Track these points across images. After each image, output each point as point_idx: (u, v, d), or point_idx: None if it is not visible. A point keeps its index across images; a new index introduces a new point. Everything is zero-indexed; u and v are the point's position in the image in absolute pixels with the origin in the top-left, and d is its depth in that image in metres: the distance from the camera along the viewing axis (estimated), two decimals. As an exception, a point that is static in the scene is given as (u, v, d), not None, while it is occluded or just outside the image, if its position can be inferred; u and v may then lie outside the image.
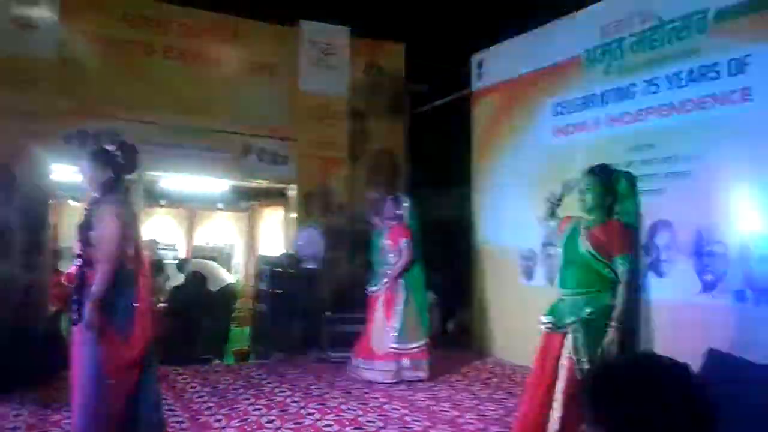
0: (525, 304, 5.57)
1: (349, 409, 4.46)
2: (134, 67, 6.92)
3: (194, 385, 5.07)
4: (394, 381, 5.25)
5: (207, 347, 6.79)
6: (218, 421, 4.10)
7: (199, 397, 4.72)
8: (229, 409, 4.36)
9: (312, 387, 5.08)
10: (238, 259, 11.19)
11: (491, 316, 6.62)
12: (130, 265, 3.32)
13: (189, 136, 7.07)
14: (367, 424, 4.12)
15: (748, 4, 4.27)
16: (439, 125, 8.47)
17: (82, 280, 3.25)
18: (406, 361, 5.34)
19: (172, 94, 7.01)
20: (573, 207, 3.61)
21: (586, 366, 3.19)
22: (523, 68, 6.36)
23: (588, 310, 3.25)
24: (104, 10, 6.87)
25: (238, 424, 4.03)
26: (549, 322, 3.39)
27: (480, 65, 7.11)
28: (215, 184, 8.58)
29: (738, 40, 4.28)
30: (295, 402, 4.60)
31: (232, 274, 9.38)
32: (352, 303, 6.19)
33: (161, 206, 10.50)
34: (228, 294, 7.94)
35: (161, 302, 7.28)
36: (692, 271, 4.43)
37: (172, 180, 8.29)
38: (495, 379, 5.53)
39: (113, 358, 3.19)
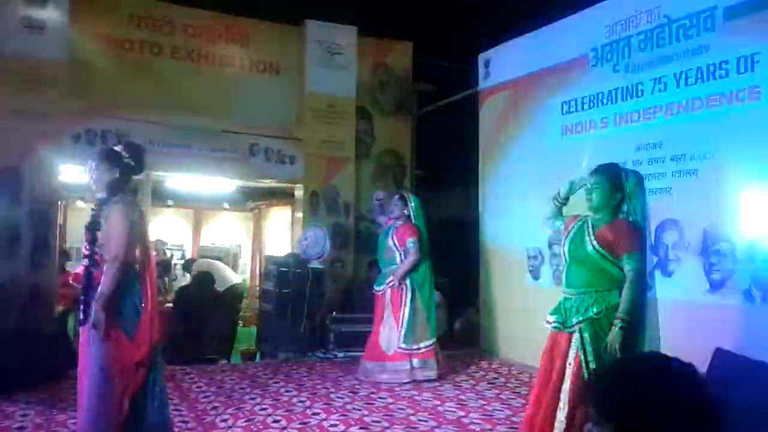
0: (531, 303, 5.54)
1: (354, 408, 4.45)
2: (141, 67, 6.96)
3: (200, 384, 5.07)
4: (407, 381, 5.23)
5: (213, 347, 6.80)
6: (224, 420, 4.10)
7: (206, 396, 4.72)
8: (236, 409, 4.36)
9: (318, 386, 5.08)
10: (245, 259, 11.22)
11: (498, 315, 6.60)
12: (138, 266, 3.34)
13: (196, 136, 7.10)
14: (372, 423, 4.11)
15: (757, 2, 4.24)
16: (445, 124, 8.46)
17: (89, 281, 3.26)
18: (415, 361, 5.33)
19: (179, 95, 7.05)
20: (578, 206, 3.59)
21: (593, 365, 3.17)
22: (530, 67, 6.32)
23: (595, 309, 3.23)
24: (112, 12, 6.93)
25: (244, 424, 4.03)
26: (556, 322, 3.37)
27: (487, 64, 7.08)
28: (222, 184, 8.60)
29: (747, 38, 4.26)
30: (301, 402, 4.59)
31: (239, 274, 9.40)
32: (359, 303, 6.19)
33: (168, 206, 10.53)
34: (234, 294, 7.96)
35: (168, 302, 7.31)
36: (700, 270, 4.41)
37: (178, 180, 8.32)
38: (501, 379, 5.51)
39: (120, 358, 3.19)
